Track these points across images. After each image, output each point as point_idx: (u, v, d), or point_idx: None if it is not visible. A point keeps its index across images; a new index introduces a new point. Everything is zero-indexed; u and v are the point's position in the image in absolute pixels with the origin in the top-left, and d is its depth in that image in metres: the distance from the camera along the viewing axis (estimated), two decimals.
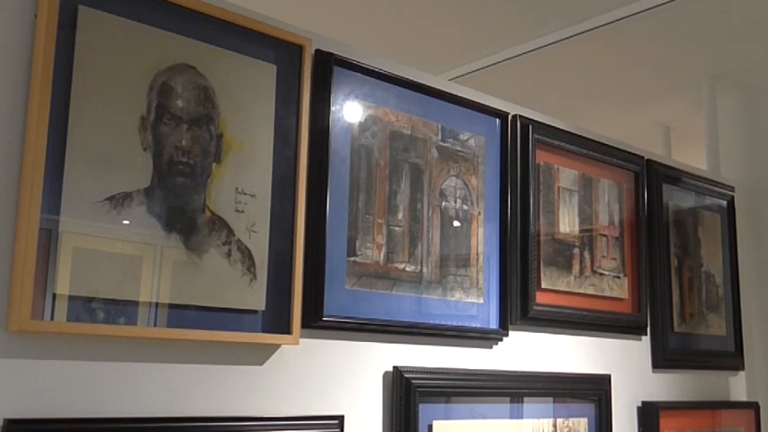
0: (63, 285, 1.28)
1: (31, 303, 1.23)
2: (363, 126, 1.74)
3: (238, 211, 1.50)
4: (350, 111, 1.72)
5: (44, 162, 1.26)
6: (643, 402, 2.34)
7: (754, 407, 2.71)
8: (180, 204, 1.42)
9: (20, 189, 1.25)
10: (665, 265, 2.48)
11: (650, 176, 2.47)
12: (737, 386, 2.75)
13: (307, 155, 1.60)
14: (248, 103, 1.54)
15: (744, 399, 2.75)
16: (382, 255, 1.73)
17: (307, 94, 1.62)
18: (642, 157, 2.46)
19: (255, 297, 1.50)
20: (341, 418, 1.58)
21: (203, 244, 1.44)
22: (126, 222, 1.35)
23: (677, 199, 2.58)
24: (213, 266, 1.45)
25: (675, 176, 2.58)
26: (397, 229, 1.77)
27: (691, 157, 3.26)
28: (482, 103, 2.00)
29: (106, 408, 1.31)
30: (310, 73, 1.63)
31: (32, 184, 1.24)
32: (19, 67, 1.28)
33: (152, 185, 1.39)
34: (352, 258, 1.68)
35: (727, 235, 2.77)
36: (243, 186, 1.51)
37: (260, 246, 1.52)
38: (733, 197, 2.81)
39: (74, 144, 1.30)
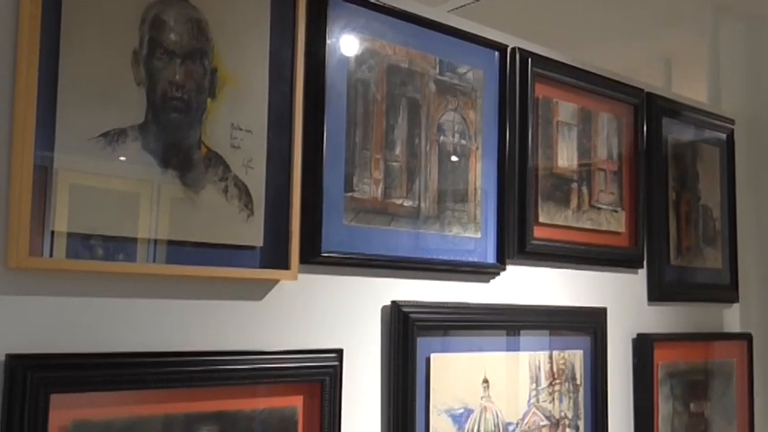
0: (61, 222, 1.27)
1: (29, 240, 1.22)
2: (360, 60, 1.72)
3: (234, 146, 1.49)
4: (346, 44, 1.69)
5: (36, 98, 1.24)
6: (638, 334, 2.37)
7: (746, 338, 2.74)
8: (175, 140, 1.41)
9: (12, 126, 1.24)
10: (662, 199, 2.48)
11: (650, 110, 2.45)
12: (731, 318, 2.79)
13: (303, 89, 1.58)
14: (242, 36, 1.51)
15: (737, 330, 2.79)
16: (380, 190, 1.73)
17: (302, 26, 1.59)
18: (642, 90, 2.43)
19: (253, 233, 1.50)
20: (340, 352, 1.60)
21: (200, 180, 1.44)
22: (122, 159, 1.35)
23: (676, 132, 2.57)
24: (210, 203, 1.45)
25: (675, 110, 2.56)
26: (394, 164, 1.76)
27: (691, 90, 3.23)
28: (481, 35, 1.97)
29: (106, 343, 1.32)
30: (305, 4, 1.60)
31: (25, 120, 1.23)
32: (6, 1, 1.25)
33: (146, 121, 1.38)
34: (350, 194, 1.67)
35: (726, 168, 2.77)
36: (238, 122, 1.49)
37: (257, 182, 1.51)
38: (733, 130, 2.80)
39: (65, 80, 1.29)
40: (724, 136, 2.77)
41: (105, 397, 1.30)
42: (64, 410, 1.24)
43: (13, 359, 1.20)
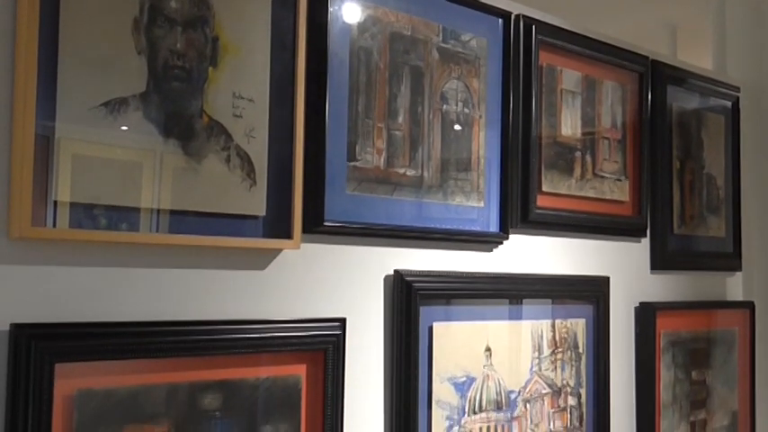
0: (64, 192, 1.27)
1: (31, 210, 1.22)
2: (362, 27, 1.70)
3: (236, 115, 1.48)
4: (348, 11, 1.68)
5: (36, 67, 1.23)
6: (640, 303, 2.37)
7: (749, 306, 2.75)
8: (177, 109, 1.40)
9: (13, 95, 1.23)
10: (666, 168, 2.47)
11: (655, 77, 2.43)
12: (734, 287, 2.79)
13: (305, 58, 1.57)
14: (244, 4, 1.50)
15: (740, 299, 2.79)
16: (383, 159, 1.72)
17: None
18: (647, 58, 2.41)
19: (256, 202, 1.50)
20: (343, 321, 1.61)
21: (202, 149, 1.43)
22: (123, 128, 1.34)
23: (681, 100, 2.55)
24: (212, 172, 1.44)
25: (680, 77, 2.54)
26: (397, 133, 1.75)
27: (697, 57, 3.20)
28: (484, 2, 1.94)
29: (109, 312, 1.33)
30: None
31: (26, 90, 1.22)
32: None
33: (147, 90, 1.37)
34: (353, 163, 1.67)
35: (731, 136, 2.75)
36: (240, 91, 1.49)
37: (259, 151, 1.51)
38: (738, 98, 2.77)
39: (65, 49, 1.28)
40: (729, 104, 2.75)
41: (110, 366, 1.30)
42: (69, 379, 1.25)
43: (17, 329, 1.21)
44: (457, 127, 1.88)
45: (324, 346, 1.57)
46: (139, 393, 1.33)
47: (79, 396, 1.26)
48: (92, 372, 1.28)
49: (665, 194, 2.46)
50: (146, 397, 1.33)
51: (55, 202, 1.27)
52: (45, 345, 1.22)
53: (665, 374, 2.41)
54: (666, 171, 2.47)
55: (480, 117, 1.93)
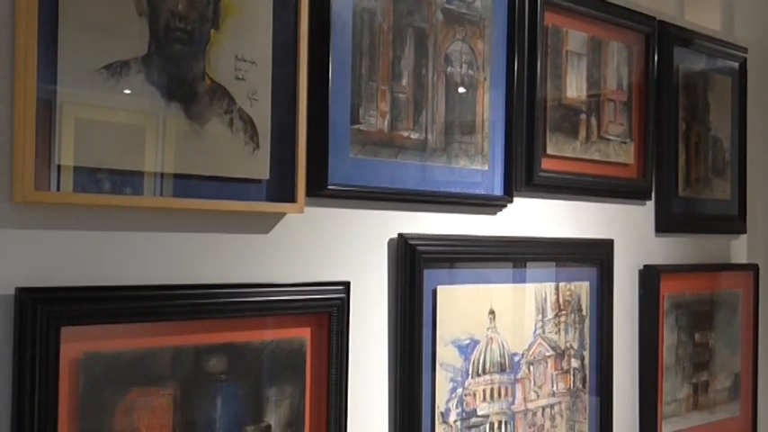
0: (67, 156, 1.27)
1: (34, 174, 1.22)
2: None
3: (239, 78, 1.47)
4: None
5: (36, 30, 1.22)
6: (644, 266, 2.38)
7: (753, 269, 2.75)
8: (179, 72, 1.39)
9: (14, 59, 1.22)
10: (672, 130, 2.45)
11: (661, 38, 2.40)
12: (739, 249, 2.79)
13: (307, 19, 1.55)
14: None
15: (744, 261, 2.79)
16: (386, 122, 1.71)
17: None
18: (654, 19, 2.38)
19: (259, 166, 1.50)
20: (347, 284, 1.61)
21: (204, 113, 1.42)
22: (126, 92, 1.33)
23: (688, 62, 2.52)
24: (215, 136, 1.44)
25: (687, 38, 2.51)
26: (401, 95, 1.74)
27: (704, 18, 3.16)
28: None
29: (114, 276, 1.33)
30: None
31: (26, 53, 1.21)
32: None
33: (149, 53, 1.36)
34: (356, 126, 1.66)
35: (738, 98, 2.73)
36: (242, 53, 1.47)
37: (262, 114, 1.50)
38: (745, 59, 2.75)
39: (66, 11, 1.26)
40: (736, 65, 2.73)
41: (115, 329, 1.31)
42: (75, 343, 1.26)
43: (23, 293, 1.21)
44: (461, 89, 1.86)
45: (328, 310, 1.57)
46: (145, 356, 1.34)
47: (85, 359, 1.27)
48: (98, 335, 1.29)
49: (671, 157, 2.45)
50: (151, 360, 1.34)
51: (58, 167, 1.27)
52: (50, 309, 1.22)
53: (668, 337, 2.42)
54: (672, 133, 2.45)
55: (485, 79, 1.91)
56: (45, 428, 1.21)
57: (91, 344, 1.28)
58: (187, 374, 1.39)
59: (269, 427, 1.49)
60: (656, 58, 2.38)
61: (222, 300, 1.43)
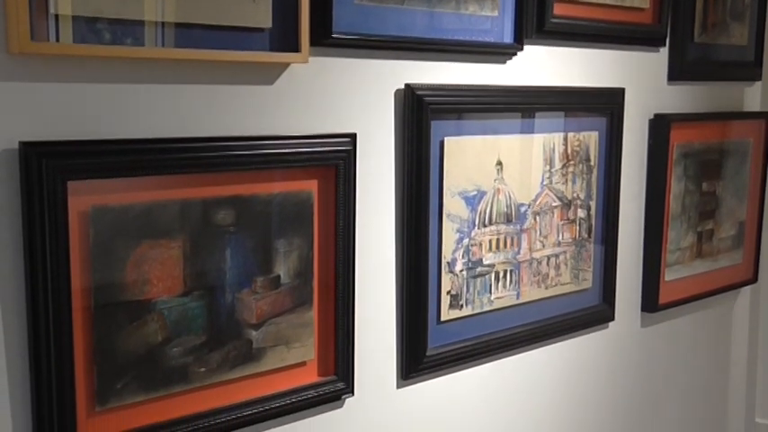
0: (65, 5, 1.22)
1: (29, 23, 1.18)
2: None
3: None
4: None
5: None
6: (655, 115, 2.34)
7: (765, 117, 2.71)
8: None
9: None
10: None
11: None
12: (752, 97, 2.74)
13: None
14: None
15: (757, 110, 2.75)
16: None
17: None
18: None
19: (261, 14, 1.45)
20: (353, 136, 1.60)
21: None
22: None
23: None
24: None
25: None
26: None
27: None
28: None
29: (117, 129, 1.32)
30: None
31: None
32: None
33: None
34: None
35: None
36: None
37: None
38: None
39: None
40: None
41: (122, 183, 1.31)
42: (82, 196, 1.26)
43: (27, 147, 1.20)
44: None
45: (335, 162, 1.56)
46: (153, 210, 1.34)
47: (94, 212, 1.28)
48: (105, 189, 1.29)
49: (688, 1, 2.36)
50: (160, 213, 1.35)
51: (56, 16, 1.22)
52: (56, 162, 1.22)
53: (676, 186, 2.42)
54: None
55: None
56: (58, 280, 1.24)
57: (99, 197, 1.28)
58: (196, 227, 1.40)
59: (278, 277, 1.52)
60: None
61: (227, 152, 1.42)
